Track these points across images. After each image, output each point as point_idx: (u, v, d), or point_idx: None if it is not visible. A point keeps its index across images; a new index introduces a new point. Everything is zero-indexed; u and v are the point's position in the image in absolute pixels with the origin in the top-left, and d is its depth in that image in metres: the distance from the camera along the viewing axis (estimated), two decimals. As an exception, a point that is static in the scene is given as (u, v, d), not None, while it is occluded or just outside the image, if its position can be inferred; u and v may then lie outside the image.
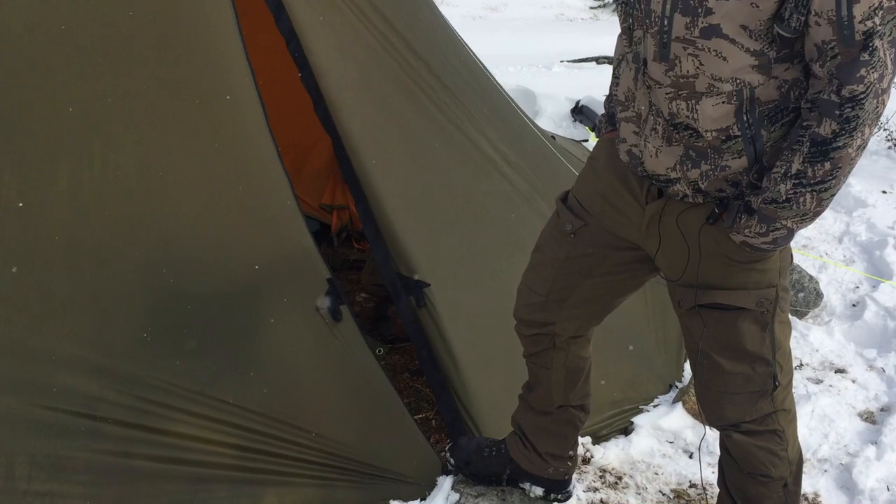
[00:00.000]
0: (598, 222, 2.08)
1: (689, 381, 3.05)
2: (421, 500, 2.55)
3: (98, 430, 2.41)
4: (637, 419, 2.95)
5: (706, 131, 1.74)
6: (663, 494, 2.65)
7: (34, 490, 2.33)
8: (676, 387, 3.13)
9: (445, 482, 2.55)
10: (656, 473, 2.74)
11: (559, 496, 2.48)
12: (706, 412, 2.06)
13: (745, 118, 1.70)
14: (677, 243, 1.91)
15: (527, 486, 2.49)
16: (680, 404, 2.98)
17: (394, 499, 2.53)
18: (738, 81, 1.68)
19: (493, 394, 2.77)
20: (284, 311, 2.65)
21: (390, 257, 2.87)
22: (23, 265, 2.47)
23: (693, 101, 1.73)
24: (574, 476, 2.53)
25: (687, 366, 3.20)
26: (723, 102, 1.71)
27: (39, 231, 2.52)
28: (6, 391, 2.38)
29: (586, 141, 5.13)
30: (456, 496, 2.48)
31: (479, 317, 2.86)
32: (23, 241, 2.51)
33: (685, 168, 1.81)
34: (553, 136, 4.18)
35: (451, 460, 2.55)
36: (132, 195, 2.59)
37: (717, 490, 2.27)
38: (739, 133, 1.72)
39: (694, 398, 2.94)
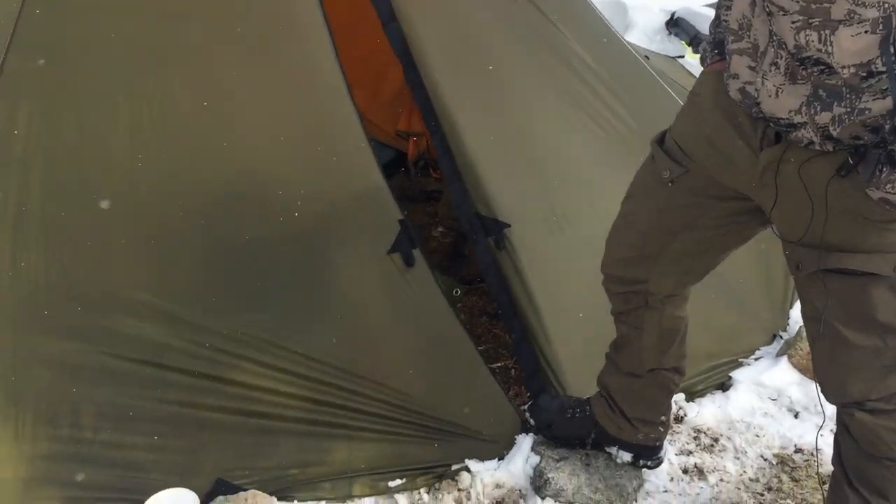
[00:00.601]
0: (700, 169, 1.80)
1: (797, 333, 2.76)
2: (499, 459, 2.40)
3: (165, 379, 2.32)
4: (736, 374, 2.70)
5: (842, 67, 1.43)
6: (764, 459, 2.42)
7: (101, 440, 2.27)
8: (781, 338, 2.85)
9: (525, 442, 2.39)
10: (757, 435, 2.50)
11: (649, 463, 2.29)
12: (826, 388, 1.80)
13: (892, 51, 1.38)
14: (799, 198, 1.62)
15: (613, 450, 2.30)
16: (785, 358, 2.71)
17: (469, 458, 2.38)
18: (885, 6, 1.36)
19: (577, 346, 2.56)
20: (354, 255, 2.48)
21: (468, 195, 2.65)
22: (82, 208, 2.37)
23: (827, 31, 1.42)
24: (666, 440, 2.32)
25: (794, 313, 2.91)
26: (865, 32, 1.39)
27: (99, 172, 2.41)
28: (71, 337, 2.31)
29: (682, 57, 4.70)
30: (536, 458, 2.31)
31: (564, 264, 2.62)
32: (82, 181, 2.40)
33: (813, 111, 1.51)
34: (646, 57, 3.80)
35: (531, 420, 2.38)
36: (194, 132, 2.44)
37: (827, 458, 2.03)
38: (884, 69, 1.41)
39: (801, 352, 2.67)
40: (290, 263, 2.44)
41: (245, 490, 2.25)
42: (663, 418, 2.21)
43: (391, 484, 2.31)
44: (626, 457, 2.27)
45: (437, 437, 2.39)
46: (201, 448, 2.32)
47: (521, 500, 2.28)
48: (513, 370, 2.76)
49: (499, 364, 2.78)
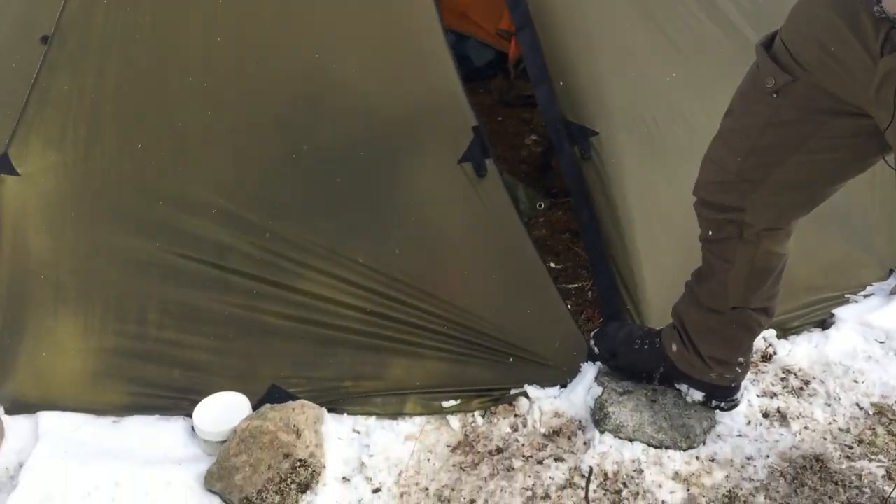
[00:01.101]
0: (811, 78, 1.55)
1: (919, 270, 2.44)
2: (560, 387, 2.26)
3: (227, 281, 2.30)
4: (840, 311, 2.43)
5: None
6: (860, 408, 2.18)
7: (164, 338, 2.29)
8: (898, 274, 2.54)
9: (589, 371, 2.23)
10: (855, 381, 2.25)
11: (722, 404, 2.10)
12: None
13: None
14: None
15: (683, 388, 2.12)
16: (900, 296, 2.41)
17: (530, 383, 2.26)
18: None
19: (661, 273, 2.35)
20: (423, 163, 2.35)
21: (555, 98, 2.45)
22: (157, 103, 2.35)
23: None
24: (747, 381, 2.11)
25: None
26: None
27: (172, 70, 2.36)
28: (139, 233, 2.32)
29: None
30: (598, 390, 2.16)
31: (654, 181, 2.40)
32: (158, 77, 2.37)
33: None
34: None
35: (595, 349, 2.22)
36: (271, 29, 2.36)
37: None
38: None
39: (922, 291, 2.36)
40: (357, 170, 2.34)
41: (297, 399, 2.23)
42: (742, 360, 2.00)
43: (445, 404, 2.22)
44: (698, 396, 2.09)
45: (498, 359, 2.27)
46: (260, 354, 2.30)
47: (580, 432, 2.14)
48: (590, 292, 2.59)
49: (575, 285, 2.61)
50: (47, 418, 2.26)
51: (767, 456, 2.03)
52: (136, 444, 2.19)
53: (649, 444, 2.06)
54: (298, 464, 2.04)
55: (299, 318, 2.29)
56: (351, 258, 2.28)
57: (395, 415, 2.22)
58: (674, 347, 2.05)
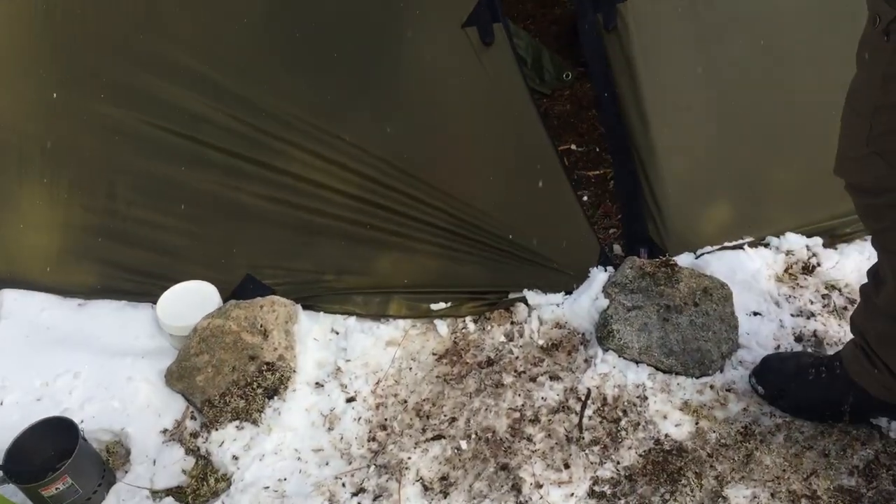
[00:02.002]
0: None
1: None
2: (565, 293, 1.99)
3: (203, 156, 2.05)
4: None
5: None
6: (912, 335, 1.87)
7: (134, 216, 2.09)
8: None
9: (598, 277, 1.95)
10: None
11: None
12: None
13: None
14: None
15: (883, 422, 1.72)
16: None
17: (530, 287, 2.00)
18: None
19: (687, 166, 2.02)
20: (420, 25, 2.00)
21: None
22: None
23: None
24: (782, 297, 1.80)
25: None
26: None
27: None
28: (109, 98, 2.07)
29: None
30: (605, 302, 1.89)
31: (687, 62, 2.02)
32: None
33: None
34: None
35: (759, 388, 1.80)
36: None
37: None
38: None
39: None
40: (346, 34, 2.01)
41: (273, 291, 2.02)
42: None
43: (433, 307, 1.98)
44: None
45: (496, 258, 2.01)
46: (236, 239, 2.08)
47: (582, 347, 1.90)
48: (612, 181, 2.27)
49: (596, 172, 2.29)
50: (11, 297, 2.10)
51: (796, 390, 1.76)
52: (101, 331, 2.03)
53: (657, 368, 1.80)
54: (265, 367, 1.85)
55: (279, 201, 2.04)
56: (337, 136, 2.00)
57: (378, 316, 2.00)
58: (861, 371, 1.64)
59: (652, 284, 1.88)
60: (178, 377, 1.86)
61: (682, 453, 1.67)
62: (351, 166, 2.01)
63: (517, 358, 1.89)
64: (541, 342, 1.92)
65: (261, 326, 1.87)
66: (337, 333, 1.98)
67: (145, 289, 2.09)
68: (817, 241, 2.03)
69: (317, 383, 1.90)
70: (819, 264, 2.00)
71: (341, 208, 2.03)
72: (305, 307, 2.00)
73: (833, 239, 2.06)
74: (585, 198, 2.24)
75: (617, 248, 2.12)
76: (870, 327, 1.57)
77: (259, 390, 1.85)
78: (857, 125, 1.35)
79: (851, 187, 1.46)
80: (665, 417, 1.73)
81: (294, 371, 1.89)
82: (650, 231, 2.02)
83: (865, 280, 1.57)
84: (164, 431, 1.84)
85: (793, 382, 1.72)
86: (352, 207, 2.03)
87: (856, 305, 1.62)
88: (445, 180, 2.01)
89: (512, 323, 1.97)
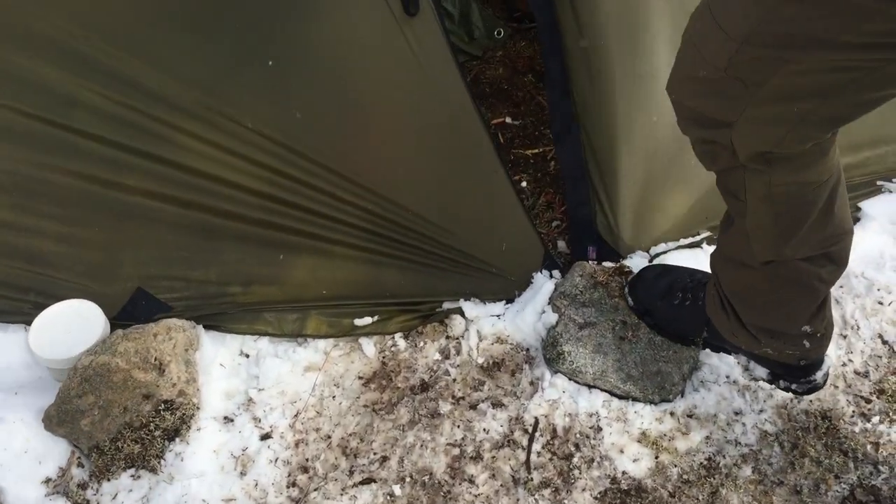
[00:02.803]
0: None
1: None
2: (506, 302, 1.77)
3: (75, 145, 1.73)
4: (867, 204, 1.92)
5: None
6: (884, 342, 1.70)
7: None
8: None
9: (543, 285, 1.73)
10: (880, 303, 1.76)
11: (794, 387, 1.55)
12: None
13: None
14: None
15: (742, 359, 1.64)
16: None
17: (466, 296, 1.77)
18: None
19: (648, 156, 1.80)
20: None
21: None
22: None
23: None
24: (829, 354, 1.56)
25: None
26: None
27: None
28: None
29: None
30: (553, 317, 1.67)
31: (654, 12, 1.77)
32: None
33: None
34: None
35: (629, 299, 1.68)
36: None
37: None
38: None
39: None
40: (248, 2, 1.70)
41: (171, 308, 1.73)
42: (807, 329, 1.42)
43: (358, 322, 1.73)
44: (761, 372, 1.59)
45: (428, 263, 1.76)
46: (121, 243, 1.77)
47: (526, 366, 1.69)
48: (552, 161, 2.03)
49: (534, 151, 2.05)
50: None
51: (761, 411, 1.60)
52: (-39, 361, 1.72)
53: (612, 394, 1.61)
54: (163, 406, 1.59)
55: (170, 199, 1.74)
56: (236, 121, 1.70)
57: (295, 335, 1.74)
58: (715, 311, 1.51)
59: (605, 296, 1.67)
60: (58, 422, 1.58)
61: (642, 494, 1.50)
62: (254, 157, 1.72)
63: (454, 380, 1.68)
64: (480, 361, 1.70)
65: (155, 360, 1.59)
66: (247, 357, 1.73)
67: (15, 307, 1.78)
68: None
69: (226, 418, 1.65)
70: (780, 260, 1.82)
71: (246, 207, 1.75)
72: (208, 327, 1.73)
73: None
74: (524, 183, 2.00)
75: (562, 245, 1.89)
76: (721, 271, 1.46)
77: (157, 433, 1.59)
78: (718, 41, 1.09)
79: (688, 114, 1.23)
80: (622, 451, 1.55)
81: (197, 407, 1.63)
82: (599, 226, 1.80)
83: None
84: (47, 482, 1.58)
85: (660, 302, 1.62)
86: (258, 206, 1.75)
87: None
88: (366, 173, 1.74)
89: (447, 338, 1.74)
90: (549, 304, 1.69)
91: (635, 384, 1.58)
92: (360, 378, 1.70)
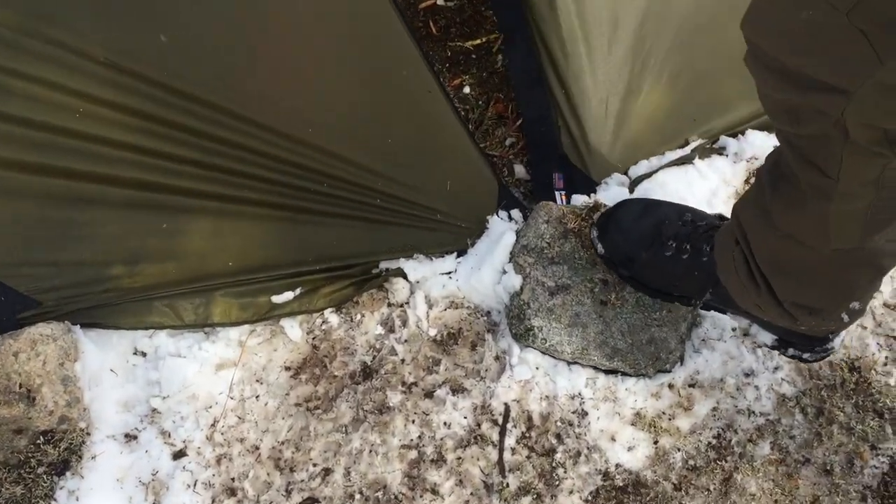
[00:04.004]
0: None
1: None
2: (457, 254, 1.43)
3: None
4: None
5: None
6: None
7: None
8: None
9: (501, 238, 1.38)
10: None
11: (805, 355, 1.26)
12: None
13: None
14: None
15: (743, 322, 1.33)
16: None
17: (407, 252, 1.42)
18: None
19: (616, 40, 1.41)
20: None
21: None
22: None
23: None
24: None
25: None
26: None
27: None
28: None
29: None
30: (516, 280, 1.33)
31: None
32: None
33: None
34: None
35: (598, 245, 1.32)
36: None
37: None
38: None
39: None
40: None
41: (38, 303, 1.37)
42: (855, 305, 1.11)
43: (276, 299, 1.39)
44: (766, 339, 1.29)
45: (356, 214, 1.40)
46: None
47: (489, 336, 1.37)
48: (500, 55, 1.63)
49: (477, 42, 1.64)
50: None
51: (776, 368, 1.32)
52: None
53: (597, 369, 1.31)
54: (43, 439, 1.27)
55: (21, 165, 1.35)
56: (84, 54, 1.29)
57: (199, 325, 1.39)
58: (733, 275, 1.15)
59: (579, 248, 1.33)
60: (-90, 471, 1.26)
61: (641, 489, 1.24)
62: (117, 101, 1.32)
63: (403, 361, 1.36)
64: (432, 333, 1.38)
65: (20, 387, 1.26)
66: (143, 356, 1.39)
67: None
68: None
69: (127, 436, 1.34)
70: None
71: (119, 166, 1.36)
72: (89, 326, 1.38)
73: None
74: (467, 89, 1.60)
75: (520, 170, 1.53)
76: (758, 238, 1.08)
77: (40, 469, 1.28)
78: None
79: (776, 68, 0.84)
80: (613, 439, 1.27)
81: (87, 433, 1.32)
82: (564, 146, 1.44)
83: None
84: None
85: (644, 252, 1.27)
86: (134, 163, 1.36)
87: (746, 191, 1.12)
88: (263, 109, 1.35)
89: (389, 305, 1.42)
90: (510, 261, 1.35)
91: (624, 359, 1.28)
92: (286, 369, 1.38)
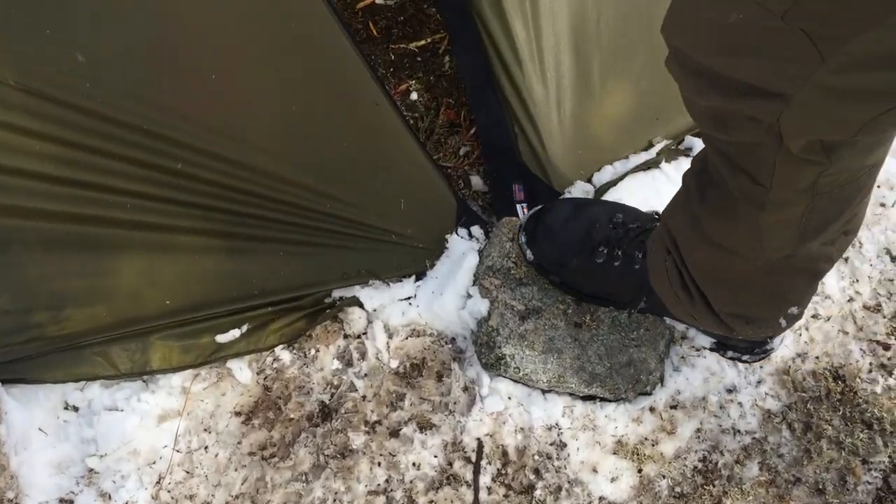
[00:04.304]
0: None
1: None
2: (416, 278, 1.33)
3: None
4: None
5: None
6: (893, 259, 1.37)
7: None
8: None
9: (463, 262, 1.28)
10: (882, 205, 1.41)
11: (745, 357, 1.22)
12: None
13: None
14: None
15: (680, 326, 1.25)
16: None
17: (363, 280, 1.31)
18: None
19: (577, 33, 1.32)
20: None
21: None
22: None
23: None
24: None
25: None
26: None
27: None
28: None
29: None
30: (482, 304, 1.24)
31: None
32: None
33: None
34: None
35: (527, 251, 1.24)
36: None
37: None
38: None
39: None
40: None
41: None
42: (794, 310, 1.06)
43: (221, 339, 1.27)
44: (704, 342, 1.24)
45: (303, 240, 1.29)
46: None
47: (456, 365, 1.27)
48: (447, 56, 1.53)
49: (422, 42, 1.53)
50: None
51: (759, 382, 1.25)
52: None
53: (574, 396, 1.23)
54: (-35, 515, 1.14)
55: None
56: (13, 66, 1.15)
57: (137, 374, 1.27)
58: (666, 285, 1.09)
59: (548, 267, 1.24)
60: None
61: (628, 522, 1.16)
62: (32, 128, 1.18)
63: (364, 398, 1.26)
64: (394, 364, 1.28)
65: (-65, 461, 1.12)
66: (76, 411, 1.26)
67: None
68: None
69: (62, 501, 1.21)
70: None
71: (39, 198, 1.22)
72: (10, 382, 1.25)
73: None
74: (414, 95, 1.49)
75: (477, 182, 1.43)
76: (688, 247, 1.02)
77: (-35, 548, 1.15)
78: None
79: (702, 73, 0.75)
80: (595, 470, 1.19)
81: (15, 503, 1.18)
82: (523, 155, 1.35)
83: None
84: None
85: (575, 258, 1.19)
86: (56, 195, 1.22)
87: (674, 196, 1.05)
88: (198, 131, 1.22)
89: (346, 337, 1.31)
90: (474, 284, 1.25)
91: (603, 384, 1.19)
92: (237, 415, 1.26)
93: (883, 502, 1.16)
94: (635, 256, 1.12)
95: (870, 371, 1.26)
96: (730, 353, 1.19)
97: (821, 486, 1.17)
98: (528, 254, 1.21)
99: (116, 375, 1.25)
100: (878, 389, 1.24)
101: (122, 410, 1.24)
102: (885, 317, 1.30)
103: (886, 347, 1.27)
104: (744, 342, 1.17)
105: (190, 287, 1.28)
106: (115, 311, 1.27)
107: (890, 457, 1.19)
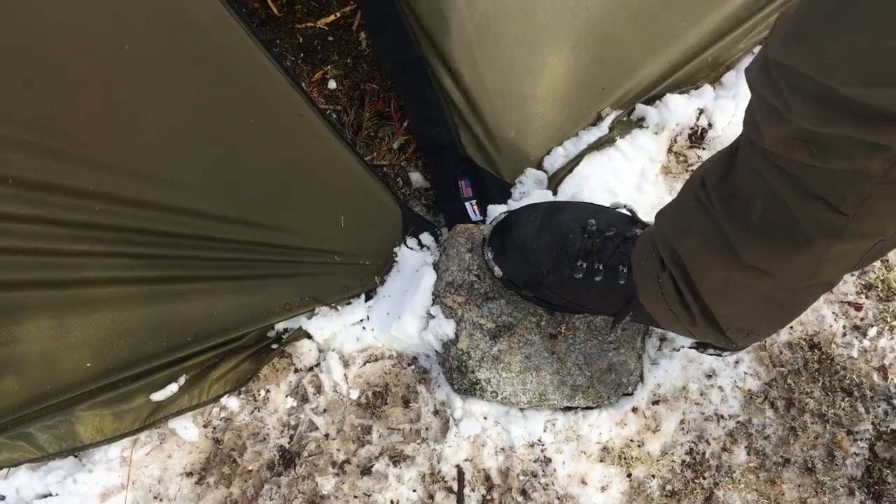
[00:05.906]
0: None
1: None
2: (366, 298, 1.20)
3: None
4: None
5: None
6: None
7: None
8: None
9: (422, 281, 1.16)
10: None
11: (725, 353, 1.12)
12: None
13: None
14: None
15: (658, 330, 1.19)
16: None
17: (307, 308, 1.18)
18: None
19: (500, 16, 1.19)
20: None
21: None
22: None
23: None
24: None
25: None
26: None
27: None
28: None
29: None
30: (447, 325, 1.13)
31: None
32: None
33: None
34: None
35: (495, 268, 1.11)
36: None
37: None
38: None
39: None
40: None
41: None
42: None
43: (157, 397, 1.13)
44: (684, 341, 1.18)
45: (236, 274, 1.14)
46: None
47: (422, 388, 1.18)
48: (362, 32, 1.36)
49: (331, 18, 1.36)
50: None
51: (737, 362, 1.20)
52: None
53: (555, 409, 1.15)
54: None
55: None
56: None
57: (66, 452, 1.12)
58: (661, 303, 0.98)
59: (513, 276, 1.14)
60: None
61: (623, 531, 1.12)
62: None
63: (327, 436, 1.16)
64: (355, 395, 1.17)
65: None
66: (2, 500, 1.11)
67: None
68: (704, 92, 1.33)
69: None
70: (710, 124, 1.33)
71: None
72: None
73: (715, 70, 1.37)
74: (332, 83, 1.33)
75: (417, 178, 1.30)
76: (706, 271, 0.91)
77: None
78: None
79: (823, 93, 0.65)
80: (584, 482, 1.13)
81: None
82: (466, 147, 1.23)
83: None
84: None
85: (552, 275, 1.08)
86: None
87: (671, 209, 0.96)
88: (93, 173, 1.04)
89: (297, 371, 1.19)
90: (434, 303, 1.14)
91: (586, 395, 1.12)
92: (188, 475, 1.14)
93: (871, 472, 1.14)
94: (619, 270, 1.02)
95: (844, 335, 1.22)
96: (710, 351, 1.12)
97: (810, 465, 1.15)
98: (497, 270, 1.10)
99: (42, 457, 1.11)
100: (855, 353, 1.21)
101: (56, 495, 1.10)
102: (853, 275, 1.26)
103: (858, 308, 1.24)
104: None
105: (112, 343, 1.12)
106: (27, 382, 1.11)
107: (873, 423, 1.17)
